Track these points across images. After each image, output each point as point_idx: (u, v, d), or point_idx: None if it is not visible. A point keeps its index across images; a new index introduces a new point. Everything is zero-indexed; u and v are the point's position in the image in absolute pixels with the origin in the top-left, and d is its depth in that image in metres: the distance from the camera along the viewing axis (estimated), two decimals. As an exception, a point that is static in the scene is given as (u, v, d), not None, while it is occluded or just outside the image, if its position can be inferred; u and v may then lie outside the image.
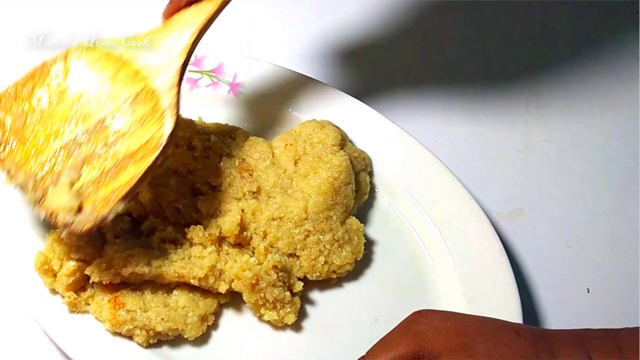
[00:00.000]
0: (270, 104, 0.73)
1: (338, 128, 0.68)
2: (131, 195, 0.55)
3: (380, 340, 0.51)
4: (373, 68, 0.84)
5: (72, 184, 0.54)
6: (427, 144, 0.71)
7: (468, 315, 0.53)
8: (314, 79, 0.74)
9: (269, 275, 0.58)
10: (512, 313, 0.61)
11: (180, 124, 0.66)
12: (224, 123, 0.70)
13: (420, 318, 0.50)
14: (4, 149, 0.55)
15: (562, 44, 0.90)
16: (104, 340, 0.57)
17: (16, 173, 0.55)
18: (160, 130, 0.56)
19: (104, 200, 0.54)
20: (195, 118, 0.70)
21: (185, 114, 0.69)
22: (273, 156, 0.65)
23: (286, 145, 0.65)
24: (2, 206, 0.61)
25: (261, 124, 0.72)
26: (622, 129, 0.83)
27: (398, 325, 0.51)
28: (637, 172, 0.79)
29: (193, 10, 0.60)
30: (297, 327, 0.61)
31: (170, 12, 0.61)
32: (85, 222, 0.53)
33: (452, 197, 0.68)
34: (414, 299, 0.64)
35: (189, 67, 0.72)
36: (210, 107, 0.72)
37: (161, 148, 0.55)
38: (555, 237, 0.74)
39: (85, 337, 0.57)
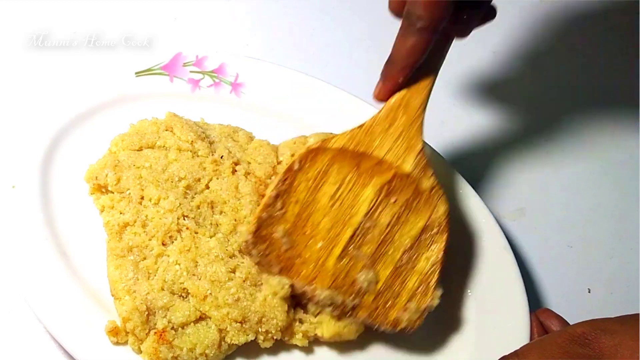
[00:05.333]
0: (272, 104, 0.73)
1: None
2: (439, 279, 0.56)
3: (535, 344, 0.52)
4: (375, 67, 0.84)
5: (374, 285, 0.56)
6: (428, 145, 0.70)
7: None
8: (315, 79, 0.74)
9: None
10: (519, 310, 0.61)
11: (183, 126, 0.66)
12: (226, 124, 0.70)
13: (588, 342, 0.49)
14: (290, 271, 0.56)
15: (563, 44, 0.90)
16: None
17: (314, 292, 0.56)
18: (436, 212, 0.57)
19: (422, 292, 0.56)
20: (197, 119, 0.69)
21: (187, 115, 0.69)
22: (278, 163, 0.65)
23: (293, 154, 0.65)
24: (8, 210, 0.61)
25: (263, 124, 0.72)
26: (623, 129, 0.83)
27: (558, 336, 0.50)
28: (637, 173, 0.79)
29: (411, 91, 0.59)
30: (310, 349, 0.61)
31: (386, 94, 0.60)
32: (417, 317, 0.56)
33: (457, 196, 0.68)
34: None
35: (189, 68, 0.73)
36: (212, 108, 0.72)
37: (447, 228, 0.56)
38: (556, 237, 0.75)
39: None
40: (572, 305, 0.70)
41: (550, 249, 0.74)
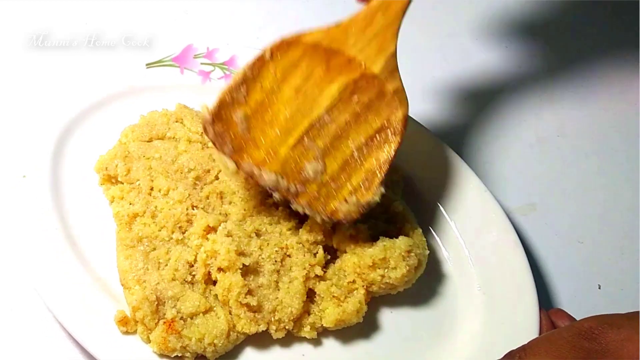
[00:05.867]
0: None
1: None
2: (385, 179, 0.57)
3: (543, 339, 0.51)
4: None
5: (320, 176, 0.57)
6: (439, 139, 0.70)
7: None
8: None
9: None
10: (528, 305, 0.61)
11: (193, 118, 0.66)
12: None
13: (595, 336, 0.49)
14: (242, 153, 0.56)
15: (575, 41, 0.89)
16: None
17: (260, 174, 0.56)
18: (395, 114, 0.57)
19: (364, 188, 0.57)
20: (207, 111, 0.69)
21: (197, 107, 0.69)
22: None
23: None
24: (19, 200, 0.61)
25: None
26: (637, 125, 0.82)
27: (566, 331, 0.50)
28: (650, 169, 0.78)
29: None
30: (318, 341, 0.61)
31: None
32: (355, 210, 0.56)
33: (468, 190, 0.67)
34: (430, 293, 0.64)
35: (200, 60, 0.73)
36: (223, 100, 0.72)
37: (402, 132, 0.57)
38: (567, 232, 0.74)
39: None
40: (582, 301, 0.70)
41: (561, 245, 0.73)
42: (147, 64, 0.71)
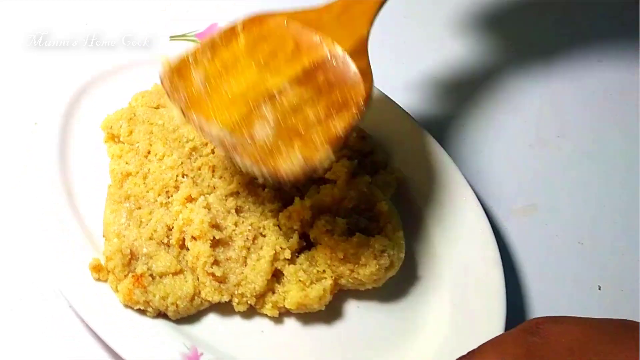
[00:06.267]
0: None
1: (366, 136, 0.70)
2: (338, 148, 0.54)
3: (492, 340, 0.52)
4: (388, 61, 0.84)
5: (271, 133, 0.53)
6: (439, 139, 0.70)
7: (593, 323, 0.51)
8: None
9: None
10: (495, 328, 0.60)
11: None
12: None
13: (538, 330, 0.50)
14: (194, 107, 0.54)
15: (576, 40, 0.88)
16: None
17: (209, 126, 0.53)
18: (359, 88, 0.55)
19: (313, 148, 0.53)
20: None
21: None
22: None
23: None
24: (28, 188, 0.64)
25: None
26: (637, 125, 0.81)
27: (515, 329, 0.51)
28: (651, 170, 0.77)
29: None
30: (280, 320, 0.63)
31: None
32: (298, 171, 0.52)
33: (459, 202, 0.67)
34: (400, 295, 0.65)
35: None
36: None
37: (362, 108, 0.55)
38: (567, 233, 0.74)
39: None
40: (582, 302, 0.69)
41: (560, 245, 0.73)
42: (171, 37, 0.75)
